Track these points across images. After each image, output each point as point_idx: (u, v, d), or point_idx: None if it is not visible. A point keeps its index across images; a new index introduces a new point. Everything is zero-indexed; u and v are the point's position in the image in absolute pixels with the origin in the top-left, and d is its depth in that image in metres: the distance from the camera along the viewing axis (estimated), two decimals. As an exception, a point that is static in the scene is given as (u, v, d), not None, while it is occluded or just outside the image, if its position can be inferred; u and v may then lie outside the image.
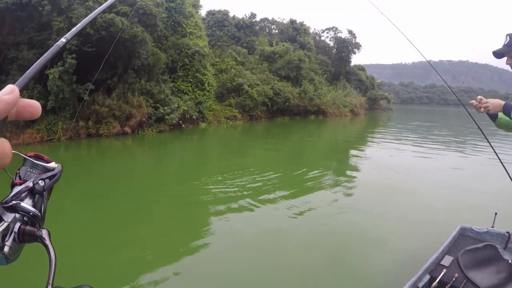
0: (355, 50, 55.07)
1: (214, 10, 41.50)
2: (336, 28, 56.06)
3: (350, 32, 55.22)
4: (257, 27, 44.86)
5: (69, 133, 20.68)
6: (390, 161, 14.22)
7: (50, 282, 0.56)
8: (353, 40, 54.58)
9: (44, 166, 0.66)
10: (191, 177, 11.99)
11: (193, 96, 26.32)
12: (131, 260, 5.70)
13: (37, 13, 20.63)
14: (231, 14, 42.13)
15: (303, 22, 45.68)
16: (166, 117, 22.74)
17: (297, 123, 32.27)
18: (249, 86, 30.91)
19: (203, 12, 36.90)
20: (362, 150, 17.97)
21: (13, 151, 0.48)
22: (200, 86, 26.99)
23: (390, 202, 8.59)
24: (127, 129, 21.79)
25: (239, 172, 11.96)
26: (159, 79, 24.55)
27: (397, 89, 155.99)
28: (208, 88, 27.46)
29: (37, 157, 0.67)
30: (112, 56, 22.37)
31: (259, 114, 32.14)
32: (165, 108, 22.94)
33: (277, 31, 46.22)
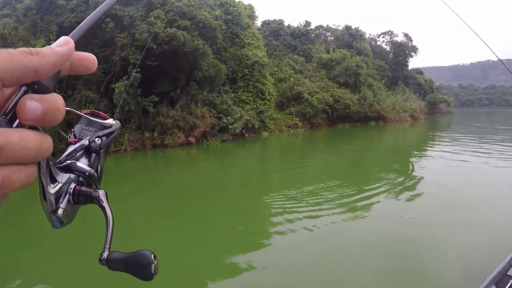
0: (412, 53, 53.15)
1: (269, 20, 41.94)
2: (392, 32, 54.47)
3: (406, 35, 53.47)
4: (313, 35, 44.68)
5: (135, 144, 21.59)
6: (452, 169, 13.28)
7: (107, 246, 0.53)
8: (410, 43, 52.78)
9: (100, 123, 0.60)
10: (254, 187, 11.92)
11: (254, 105, 26.54)
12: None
13: (101, 30, 21.69)
14: (286, 23, 42.48)
15: (358, 27, 45.00)
16: (230, 126, 23.03)
17: (358, 129, 31.50)
18: (309, 94, 30.69)
19: (258, 23, 37.37)
20: (424, 158, 16.94)
21: (67, 108, 0.45)
22: (260, 95, 27.17)
23: (453, 211, 8.06)
24: (191, 139, 22.30)
25: (300, 181, 11.75)
26: (221, 90, 24.99)
27: (456, 92, 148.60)
28: (268, 97, 27.60)
29: (94, 114, 0.61)
30: (174, 69, 23.18)
31: (319, 122, 31.79)
32: (228, 118, 23.25)
33: (332, 38, 45.73)
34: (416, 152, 18.85)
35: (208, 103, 23.50)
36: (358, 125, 34.76)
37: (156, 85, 22.89)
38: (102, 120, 0.61)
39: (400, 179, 11.39)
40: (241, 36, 28.28)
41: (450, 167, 13.56)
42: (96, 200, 0.55)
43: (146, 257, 0.51)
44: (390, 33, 54.36)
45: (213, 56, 24.52)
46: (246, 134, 24.65)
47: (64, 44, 0.43)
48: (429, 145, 21.54)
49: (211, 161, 18.81)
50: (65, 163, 0.56)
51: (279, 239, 6.70)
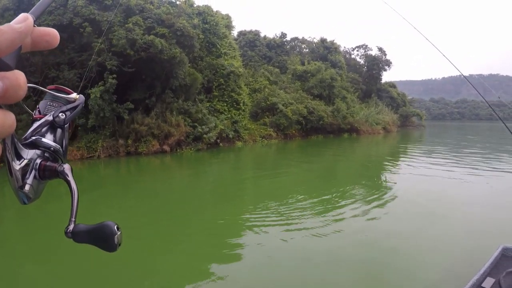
0: (386, 67, 54.66)
1: (245, 30, 42.42)
2: (366, 46, 55.96)
3: (380, 49, 54.98)
4: (288, 47, 45.33)
5: (108, 151, 21.32)
6: (425, 180, 13.62)
7: (73, 219, 0.54)
8: (383, 57, 54.31)
9: (65, 98, 0.62)
10: (227, 197, 11.96)
11: (229, 115, 26.70)
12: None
13: (78, 34, 21.44)
14: (262, 34, 42.96)
15: (333, 40, 45.91)
16: (204, 136, 23.06)
17: (331, 141, 32.03)
18: (283, 105, 31.07)
19: (234, 33, 37.72)
20: (396, 169, 17.38)
21: (30, 85, 0.45)
22: (235, 105, 27.39)
23: (426, 222, 8.21)
24: (165, 147, 22.21)
25: (273, 192, 11.90)
26: (196, 99, 25.06)
27: (428, 105, 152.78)
28: (243, 108, 27.85)
29: (58, 90, 0.63)
30: (150, 76, 23.08)
31: (293, 133, 32.15)
32: (203, 127, 23.30)
33: (307, 50, 46.48)
34: (388, 164, 19.40)
35: (183, 111, 23.51)
36: (332, 136, 35.36)
37: (132, 92, 22.71)
38: (66, 95, 0.62)
39: (371, 191, 11.60)
40: (218, 46, 28.49)
41: (421, 179, 13.85)
42: (61, 175, 0.56)
43: (110, 228, 0.54)
44: (364, 46, 55.82)
45: (189, 64, 24.61)
46: (221, 144, 24.72)
47: (22, 20, 0.43)
48: (401, 157, 22.16)
49: (185, 169, 18.75)
50: (31, 139, 0.56)
51: (250, 249, 6.76)
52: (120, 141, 21.70)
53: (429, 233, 7.37)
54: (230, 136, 25.57)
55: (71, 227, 0.53)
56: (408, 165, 18.03)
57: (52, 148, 0.58)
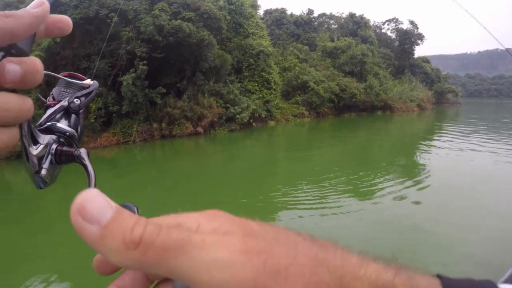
0: (418, 41, 52.39)
1: (271, 9, 41.74)
2: (397, 19, 53.73)
3: (411, 22, 52.75)
4: (316, 23, 44.28)
5: (143, 135, 21.64)
6: (462, 161, 12.95)
7: None
8: (415, 31, 52.08)
9: (78, 84, 0.62)
10: (261, 177, 11.83)
11: (261, 95, 26.47)
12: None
13: (105, 25, 21.67)
14: (288, 12, 42.15)
15: (362, 15, 44.37)
16: (237, 116, 23.03)
17: (364, 119, 31.28)
18: (314, 83, 30.44)
19: (260, 12, 37.14)
20: (432, 149, 16.48)
21: (46, 72, 0.45)
22: (266, 85, 27.07)
23: (462, 208, 7.71)
24: (199, 129, 22.33)
25: (307, 172, 11.63)
26: (227, 80, 24.97)
27: (464, 81, 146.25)
28: (274, 87, 27.52)
29: (71, 76, 0.62)
30: (179, 61, 23.17)
31: (325, 111, 31.55)
32: (235, 107, 23.24)
33: (336, 26, 45.21)
34: (424, 143, 18.50)
35: (214, 93, 23.50)
36: (365, 114, 34.45)
37: (162, 77, 22.95)
38: (80, 81, 0.61)
39: (406, 172, 11.16)
40: (245, 26, 28.11)
41: (459, 160, 13.20)
42: (78, 159, 0.55)
43: (129, 209, 0.47)
44: (395, 20, 53.69)
45: (218, 46, 24.46)
46: (253, 124, 24.64)
47: (39, 5, 0.42)
48: (437, 136, 21.13)
49: (219, 150, 18.84)
50: (46, 125, 0.56)
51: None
52: (154, 125, 21.97)
53: (467, 218, 6.94)
54: (263, 115, 25.42)
55: None
56: (445, 145, 17.07)
57: (67, 133, 0.57)
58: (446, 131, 23.26)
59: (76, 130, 0.58)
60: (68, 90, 0.60)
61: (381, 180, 10.05)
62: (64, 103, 0.58)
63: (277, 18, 39.89)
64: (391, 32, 53.59)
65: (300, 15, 42.57)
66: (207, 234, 0.30)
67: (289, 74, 31.66)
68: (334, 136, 21.89)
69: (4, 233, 7.33)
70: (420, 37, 52.11)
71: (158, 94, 21.69)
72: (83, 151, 0.55)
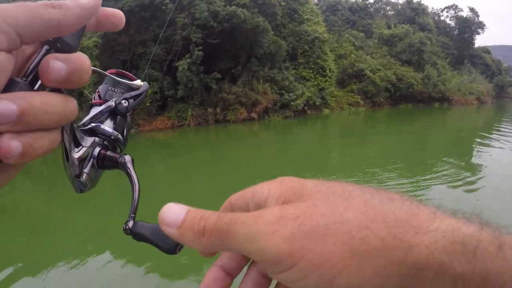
0: (479, 30, 49.44)
1: (325, -6, 40.51)
2: (456, 6, 50.85)
3: (471, 10, 49.79)
4: (372, 9, 42.90)
5: (198, 119, 21.92)
6: None
7: (132, 215, 0.50)
8: (476, 19, 49.08)
9: (127, 84, 0.57)
10: (313, 166, 11.34)
11: (315, 82, 26.05)
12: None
13: (160, 12, 21.97)
14: (343, -3, 40.79)
15: (420, 1, 42.39)
16: (291, 103, 22.81)
17: (421, 110, 29.81)
18: (370, 72, 29.54)
19: (314, -2, 36.25)
20: (491, 147, 14.97)
21: (93, 68, 0.42)
22: (321, 72, 26.59)
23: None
24: (253, 115, 22.30)
25: (360, 163, 11.13)
26: (282, 67, 24.72)
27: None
28: (329, 74, 27.01)
29: (120, 75, 0.57)
30: (234, 47, 23.11)
31: (381, 101, 30.63)
32: (290, 94, 23.01)
33: (393, 12, 43.60)
34: (482, 140, 17.05)
35: (269, 79, 23.33)
36: (421, 105, 32.98)
37: (217, 62, 23.05)
38: (129, 81, 0.57)
39: (462, 170, 10.05)
40: (299, 12, 27.69)
41: None
42: (122, 166, 0.52)
43: None
44: (454, 7, 50.85)
45: (272, 32, 24.22)
46: (308, 111, 24.32)
47: None
48: (497, 133, 19.25)
49: (272, 136, 18.65)
50: (89, 126, 0.52)
51: None
52: (208, 110, 22.21)
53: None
54: (317, 103, 25.00)
55: (130, 223, 0.49)
56: (506, 143, 15.69)
57: (112, 137, 0.53)
58: (506, 128, 21.44)
59: (122, 134, 0.54)
60: (115, 90, 0.56)
61: (433, 176, 9.36)
62: (111, 103, 0.54)
63: (332, 4, 38.92)
64: (450, 20, 50.91)
65: (356, 1, 41.40)
66: (256, 211, 0.35)
67: (345, 62, 30.84)
68: (389, 127, 20.97)
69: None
70: (481, 25, 49.08)
71: (213, 79, 21.83)
72: (128, 159, 0.52)
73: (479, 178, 9.19)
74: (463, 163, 11.26)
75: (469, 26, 48.41)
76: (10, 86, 0.34)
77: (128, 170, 0.51)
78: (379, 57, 33.01)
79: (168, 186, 9.19)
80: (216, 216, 0.35)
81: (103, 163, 0.50)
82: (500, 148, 14.76)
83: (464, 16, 49.24)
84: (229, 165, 11.55)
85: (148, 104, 20.41)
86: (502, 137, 17.64)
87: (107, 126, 0.53)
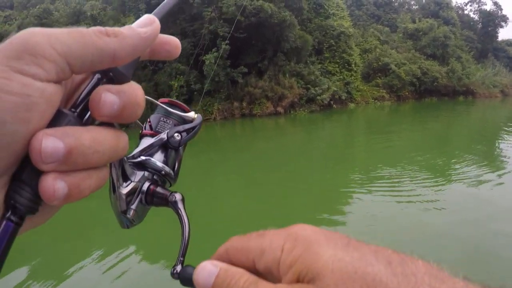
0: (502, 23, 48.66)
1: (351, -11, 40.53)
2: (480, 0, 50.19)
3: (495, 3, 48.88)
4: (396, 4, 42.73)
5: (224, 113, 22.36)
6: None
7: (181, 258, 0.46)
8: (499, 12, 48.29)
9: (180, 116, 0.53)
10: (337, 159, 11.66)
11: (341, 76, 26.32)
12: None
13: (188, 5, 22.44)
14: (368, -8, 40.74)
15: (444, -5, 41.94)
16: (317, 97, 23.13)
17: (446, 104, 29.71)
18: (396, 66, 29.64)
19: (339, -8, 36.31)
20: None
21: (146, 97, 0.39)
22: (347, 66, 26.85)
23: None
24: (279, 109, 22.68)
25: (385, 158, 11.25)
26: (308, 61, 25.03)
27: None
28: (355, 69, 27.29)
29: (172, 104, 0.53)
30: (260, 41, 23.42)
31: (406, 95, 30.71)
32: (316, 88, 23.29)
33: (417, 6, 43.30)
34: (508, 135, 16.99)
35: (295, 74, 23.67)
36: (446, 99, 32.86)
37: (244, 56, 23.38)
38: (182, 112, 0.54)
39: (486, 164, 9.88)
40: (325, 7, 27.87)
41: None
42: (172, 205, 0.49)
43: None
44: (478, 1, 50.08)
45: (298, 27, 24.47)
46: (334, 105, 24.64)
47: (148, 24, 0.36)
48: None
49: (298, 131, 18.93)
50: (140, 159, 0.50)
51: (356, 217, 6.53)
52: (235, 104, 22.63)
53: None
54: (343, 97, 25.31)
55: (178, 268, 0.45)
56: None
57: (163, 172, 0.50)
58: None
59: (173, 168, 0.52)
60: (168, 121, 0.53)
61: (458, 170, 9.45)
62: (163, 136, 0.51)
63: (357, -2, 38.95)
64: (473, 14, 50.21)
65: (380, -4, 41.22)
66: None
67: (370, 56, 31.03)
68: (414, 121, 21.10)
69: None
70: (504, 19, 48.29)
71: (240, 73, 22.24)
72: (178, 197, 0.49)
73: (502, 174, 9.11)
74: (487, 158, 11.21)
75: (493, 19, 47.74)
76: (57, 119, 0.32)
77: (179, 211, 0.48)
78: (404, 51, 32.99)
79: (194, 180, 8.97)
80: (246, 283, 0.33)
81: (152, 199, 0.48)
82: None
83: (488, 9, 48.57)
84: (254, 158, 11.83)
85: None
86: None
87: (158, 160, 0.50)
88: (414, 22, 37.46)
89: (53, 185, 0.30)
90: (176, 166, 0.53)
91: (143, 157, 0.49)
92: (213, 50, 21.47)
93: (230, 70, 22.14)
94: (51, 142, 0.29)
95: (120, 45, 0.33)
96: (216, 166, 10.82)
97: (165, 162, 0.50)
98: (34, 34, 0.30)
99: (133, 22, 0.31)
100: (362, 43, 33.00)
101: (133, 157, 0.49)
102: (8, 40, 0.30)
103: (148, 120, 0.53)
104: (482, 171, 9.23)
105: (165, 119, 0.52)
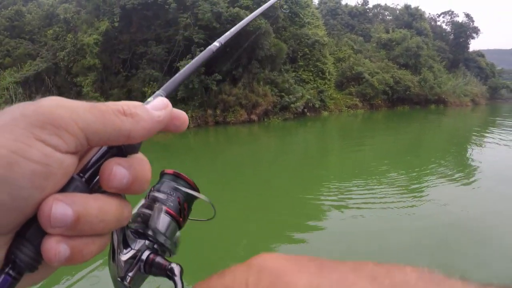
0: (473, 34, 50.26)
1: (326, -2, 41.17)
2: (452, 12, 51.62)
3: (467, 15, 50.56)
4: (370, 14, 43.54)
5: (197, 121, 22.18)
6: None
7: None
8: (471, 24, 49.91)
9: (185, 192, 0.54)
10: (310, 166, 11.74)
11: (315, 85, 26.52)
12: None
13: (163, 11, 22.29)
14: (343, 2, 41.70)
15: (418, 6, 43.21)
16: (291, 105, 23.23)
17: (418, 112, 30.55)
18: (369, 75, 30.17)
19: (315, 1, 36.92)
20: (486, 146, 15.35)
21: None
22: (321, 75, 27.09)
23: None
24: (253, 116, 22.67)
25: (358, 165, 11.46)
26: (282, 69, 25.14)
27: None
28: (328, 77, 27.53)
29: (177, 176, 0.55)
30: (235, 48, 23.42)
31: (379, 103, 31.29)
32: (290, 96, 23.41)
33: (391, 17, 44.25)
34: (478, 140, 17.35)
35: (269, 81, 23.73)
36: (418, 107, 33.77)
37: (218, 63, 23.27)
38: (187, 184, 0.57)
39: (458, 168, 10.29)
40: (301, 15, 27.98)
41: None
42: (171, 277, 0.49)
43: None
44: (450, 13, 51.59)
45: (273, 35, 24.58)
46: (307, 113, 24.78)
47: (162, 107, 0.39)
48: (492, 133, 19.67)
49: (272, 138, 19.01)
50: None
51: (331, 222, 6.57)
52: (208, 111, 22.50)
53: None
54: (316, 105, 25.53)
55: None
56: (499, 142, 15.89)
57: (163, 241, 0.50)
58: (499, 128, 22.02)
59: (171, 239, 0.52)
60: (172, 193, 0.54)
61: (431, 175, 9.67)
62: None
63: (332, 8, 39.57)
64: (446, 25, 51.66)
65: (355, 6, 42.13)
66: None
67: (344, 65, 31.50)
68: (387, 129, 21.47)
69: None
70: (476, 30, 49.94)
71: (214, 80, 22.07)
72: (177, 270, 0.48)
73: (473, 176, 9.52)
74: (458, 163, 11.62)
75: (464, 31, 49.21)
76: (67, 183, 0.33)
77: (176, 281, 0.48)
78: (377, 60, 33.62)
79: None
80: None
81: (150, 269, 0.48)
82: (495, 146, 15.35)
83: (460, 21, 50.04)
84: (228, 167, 11.78)
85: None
86: (496, 135, 18.26)
87: (161, 229, 0.50)
88: (387, 32, 38.27)
89: (56, 247, 0.31)
90: (176, 236, 0.52)
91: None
92: (187, 56, 21.34)
93: (204, 77, 21.97)
94: (61, 208, 0.30)
95: (136, 126, 0.34)
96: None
97: (165, 232, 0.50)
98: (59, 106, 0.31)
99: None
100: (336, 52, 33.44)
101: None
102: (33, 107, 0.30)
103: (152, 188, 0.53)
104: (454, 177, 9.48)
105: (170, 192, 0.53)
